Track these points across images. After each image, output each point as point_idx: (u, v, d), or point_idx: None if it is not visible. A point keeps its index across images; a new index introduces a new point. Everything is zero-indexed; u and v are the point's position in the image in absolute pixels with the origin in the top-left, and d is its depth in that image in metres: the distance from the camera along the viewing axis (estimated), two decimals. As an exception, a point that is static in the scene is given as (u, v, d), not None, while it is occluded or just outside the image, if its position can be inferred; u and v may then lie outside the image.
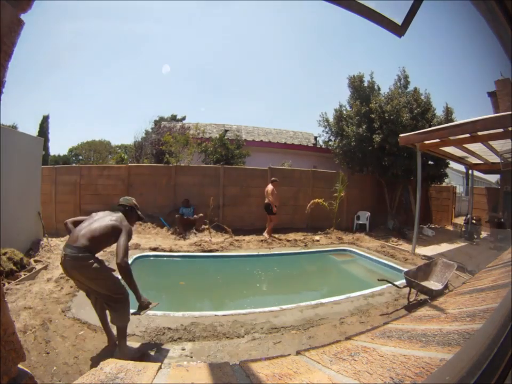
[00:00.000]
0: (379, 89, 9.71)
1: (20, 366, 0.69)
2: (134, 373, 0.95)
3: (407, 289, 3.53)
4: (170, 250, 5.91)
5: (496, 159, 7.57)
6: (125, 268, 2.15)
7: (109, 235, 2.27)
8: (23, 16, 0.65)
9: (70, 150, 25.71)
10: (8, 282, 3.66)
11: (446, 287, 3.48)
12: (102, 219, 2.34)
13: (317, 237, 7.57)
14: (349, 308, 3.42)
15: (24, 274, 3.98)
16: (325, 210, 8.39)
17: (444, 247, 6.96)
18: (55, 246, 5.69)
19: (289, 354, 1.17)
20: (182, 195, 8.09)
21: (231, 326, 2.89)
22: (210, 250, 6.08)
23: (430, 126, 7.76)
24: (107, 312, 2.34)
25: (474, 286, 1.83)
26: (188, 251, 5.98)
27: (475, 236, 7.99)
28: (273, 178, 7.54)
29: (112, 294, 2.24)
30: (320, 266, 6.10)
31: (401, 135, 6.43)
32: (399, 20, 1.12)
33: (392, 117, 8.25)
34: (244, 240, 6.98)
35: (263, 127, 14.97)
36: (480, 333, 0.76)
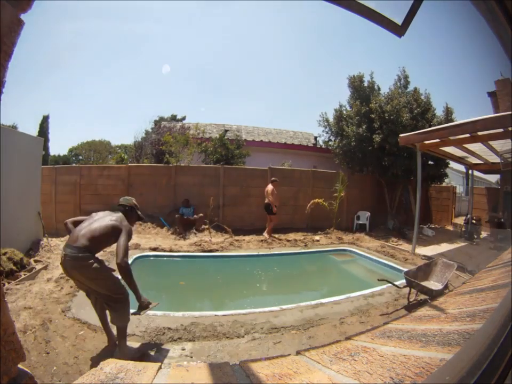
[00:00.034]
0: (379, 89, 9.71)
1: (20, 366, 0.69)
2: (134, 373, 0.95)
3: (407, 289, 3.53)
4: (170, 250, 5.91)
5: (496, 159, 7.57)
6: (125, 268, 2.16)
7: (109, 235, 2.27)
8: (23, 16, 0.65)
9: (70, 150, 25.71)
10: (8, 282, 3.66)
11: (446, 287, 3.48)
12: (102, 219, 2.34)
13: (317, 237, 7.57)
14: (349, 307, 3.42)
15: (24, 274, 3.98)
16: (325, 210, 8.39)
17: (444, 247, 6.96)
18: (55, 246, 5.69)
19: (289, 354, 1.17)
20: (182, 195, 8.09)
21: (231, 326, 2.89)
22: (210, 250, 6.08)
23: (430, 126, 7.76)
24: (107, 312, 2.34)
25: (474, 286, 1.83)
26: (188, 251, 5.99)
27: (475, 236, 7.99)
28: (273, 178, 7.54)
29: (112, 294, 2.24)
30: (320, 266, 6.10)
31: (401, 135, 6.43)
32: (399, 20, 1.12)
33: (392, 117, 8.25)
34: (244, 240, 6.98)
35: (263, 127, 14.97)
36: (480, 333, 0.76)
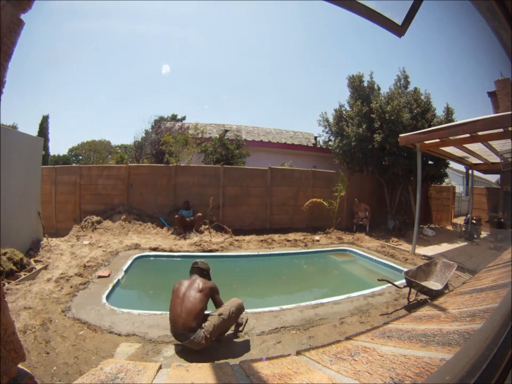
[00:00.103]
0: (379, 89, 9.72)
1: (20, 366, 0.69)
2: (134, 373, 0.95)
3: (407, 289, 3.53)
4: (170, 250, 5.92)
5: (496, 159, 7.57)
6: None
7: (204, 302, 2.49)
8: (23, 16, 0.65)
9: (70, 150, 25.71)
10: (8, 282, 3.66)
11: (446, 287, 3.48)
12: (189, 294, 2.46)
13: (317, 237, 7.58)
14: (349, 307, 3.42)
15: (24, 274, 3.98)
16: (325, 210, 8.39)
17: (444, 247, 6.96)
18: (55, 246, 5.70)
19: (289, 354, 1.17)
20: (182, 195, 8.09)
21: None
22: (210, 250, 6.08)
23: (430, 126, 7.76)
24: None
25: (474, 286, 1.83)
26: (188, 251, 5.99)
27: (475, 236, 7.99)
28: None
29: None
30: (320, 266, 6.10)
31: (401, 135, 6.44)
32: (399, 20, 1.12)
33: (392, 117, 8.26)
34: (244, 240, 6.99)
35: (263, 127, 14.97)
36: (480, 333, 0.76)
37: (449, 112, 8.97)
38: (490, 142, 5.77)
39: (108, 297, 3.51)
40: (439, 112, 9.12)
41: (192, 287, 2.50)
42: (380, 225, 9.11)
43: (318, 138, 14.23)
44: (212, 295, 2.56)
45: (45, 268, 4.45)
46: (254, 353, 2.43)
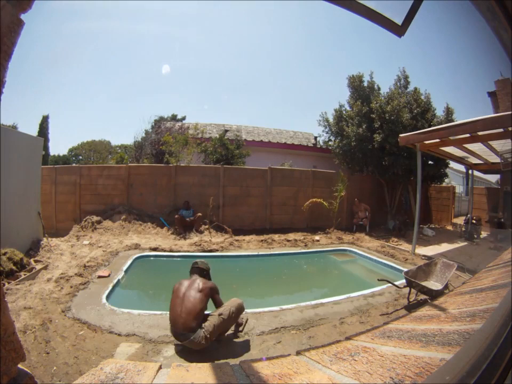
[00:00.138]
0: (379, 89, 9.72)
1: (20, 366, 0.69)
2: (134, 373, 0.95)
3: (407, 289, 3.53)
4: (170, 250, 5.92)
5: (496, 159, 7.57)
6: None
7: (204, 302, 2.48)
8: (23, 16, 0.65)
9: (70, 150, 25.71)
10: (8, 282, 3.66)
11: (446, 287, 3.48)
12: (189, 294, 2.46)
13: (317, 237, 7.58)
14: (349, 307, 3.42)
15: (24, 274, 3.98)
16: (325, 210, 8.39)
17: (444, 247, 6.96)
18: (55, 246, 5.70)
19: (289, 354, 1.17)
20: (182, 195, 8.09)
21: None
22: (210, 250, 6.08)
23: (430, 126, 7.76)
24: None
25: (474, 286, 1.83)
26: (188, 251, 5.99)
27: (475, 236, 7.99)
28: None
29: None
30: (320, 266, 6.10)
31: (401, 135, 6.44)
32: (399, 20, 1.12)
33: (392, 117, 8.26)
34: (244, 240, 6.99)
35: (263, 127, 14.97)
36: (480, 333, 0.76)
37: (449, 112, 8.98)
38: (490, 142, 5.77)
39: (107, 297, 3.52)
40: (439, 112, 9.14)
41: (192, 287, 2.50)
42: (379, 225, 9.11)
43: (318, 138, 14.23)
44: (212, 295, 2.56)
45: (45, 267, 4.45)
46: (254, 353, 2.43)
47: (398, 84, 9.60)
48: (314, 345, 2.45)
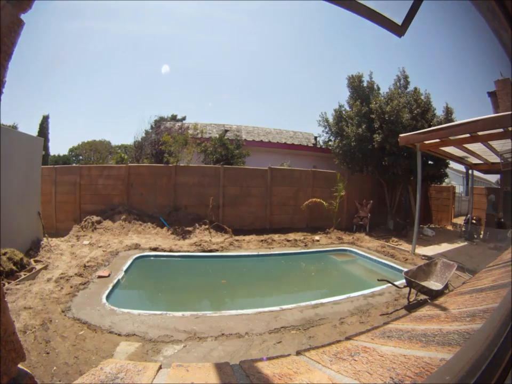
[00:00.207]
0: (378, 89, 9.73)
1: (20, 366, 0.69)
2: (134, 373, 0.95)
3: (407, 289, 3.53)
4: (170, 250, 5.92)
5: (496, 159, 7.57)
6: None
7: None
8: (23, 16, 0.65)
9: (70, 150, 25.70)
10: (8, 282, 3.66)
11: (446, 287, 3.48)
12: None
13: (317, 237, 7.58)
14: (349, 307, 3.42)
15: (24, 274, 3.98)
16: (325, 210, 8.39)
17: (444, 247, 6.96)
18: (55, 246, 5.70)
19: (289, 354, 1.17)
20: (182, 195, 8.10)
21: (231, 326, 2.89)
22: (210, 250, 6.08)
23: (430, 126, 7.76)
24: None
25: (474, 286, 1.83)
26: (188, 251, 5.99)
27: (475, 236, 8.00)
28: None
29: None
30: (320, 266, 6.10)
31: (401, 135, 6.44)
32: (399, 20, 1.12)
33: (392, 118, 8.26)
34: (244, 240, 6.99)
35: (263, 127, 14.97)
36: (480, 333, 0.76)
37: (449, 112, 8.98)
38: (490, 142, 5.77)
39: (108, 297, 3.52)
40: (439, 112, 9.14)
41: None
42: (380, 225, 9.11)
43: (318, 138, 14.23)
44: None
45: (45, 267, 4.45)
46: (254, 353, 2.43)
47: (398, 84, 9.61)
48: (314, 345, 2.45)
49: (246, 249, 6.40)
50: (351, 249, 6.70)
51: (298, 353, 1.18)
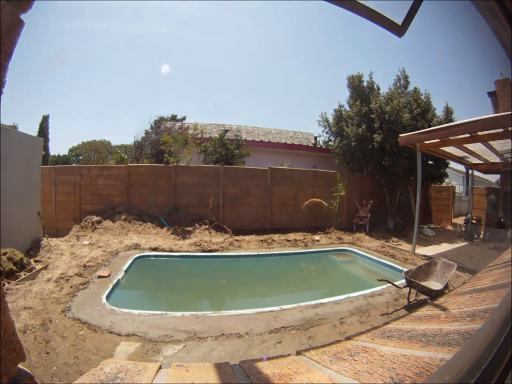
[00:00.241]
0: (378, 89, 9.73)
1: (20, 366, 0.69)
2: (134, 373, 0.95)
3: (407, 289, 3.53)
4: (170, 250, 5.92)
5: (496, 159, 7.57)
6: None
7: None
8: (23, 16, 0.65)
9: (70, 150, 25.71)
10: (8, 282, 3.66)
11: (446, 287, 3.48)
12: None
13: (317, 237, 7.58)
14: (349, 307, 3.42)
15: (24, 274, 3.98)
16: (325, 210, 8.39)
17: (444, 247, 6.96)
18: (55, 246, 5.70)
19: (289, 354, 1.17)
20: (182, 195, 8.10)
21: (231, 326, 2.89)
22: (210, 250, 6.08)
23: (430, 126, 7.76)
24: None
25: (474, 286, 1.83)
26: (188, 251, 5.99)
27: (475, 236, 8.00)
28: None
29: None
30: (320, 266, 6.10)
31: (401, 135, 6.44)
32: (399, 20, 1.12)
33: (392, 118, 8.26)
34: (244, 240, 6.99)
35: (263, 127, 14.97)
36: (480, 333, 0.76)
37: (448, 112, 8.99)
38: (490, 142, 5.77)
39: (108, 297, 3.52)
40: (439, 112, 9.14)
41: None
42: (379, 225, 9.11)
43: (318, 138, 14.23)
44: None
45: (45, 267, 4.45)
46: (254, 353, 2.43)
47: (398, 84, 9.61)
48: (314, 345, 2.46)
49: (246, 249, 6.40)
50: (351, 249, 6.70)
51: (298, 353, 1.18)
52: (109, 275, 4.26)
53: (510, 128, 4.61)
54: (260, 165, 9.30)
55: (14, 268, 4.00)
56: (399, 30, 1.14)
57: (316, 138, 14.63)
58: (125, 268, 4.68)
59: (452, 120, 8.45)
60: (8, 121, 18.93)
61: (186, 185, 8.20)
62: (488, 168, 9.01)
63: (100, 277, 4.16)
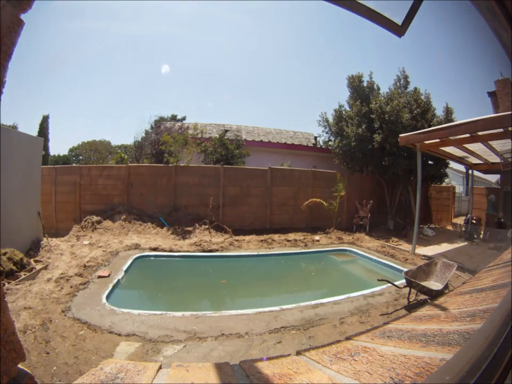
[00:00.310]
0: (378, 89, 9.73)
1: (20, 366, 0.69)
2: (134, 373, 0.95)
3: (407, 289, 3.53)
4: (170, 250, 5.92)
5: (496, 159, 7.57)
6: None
7: None
8: (23, 16, 0.65)
9: (70, 150, 25.71)
10: (8, 282, 3.66)
11: (446, 287, 3.48)
12: None
13: (317, 237, 7.58)
14: (349, 307, 3.42)
15: (24, 274, 3.98)
16: (325, 210, 8.39)
17: (444, 247, 6.96)
18: (55, 246, 5.70)
19: (289, 354, 1.17)
20: (182, 195, 8.10)
21: (231, 326, 2.89)
22: (210, 250, 6.08)
23: (430, 126, 7.77)
24: None
25: (474, 286, 1.83)
26: (188, 251, 5.99)
27: (475, 236, 8.00)
28: None
29: None
30: (320, 266, 6.10)
31: (401, 135, 6.44)
32: (399, 20, 1.12)
33: (392, 118, 8.26)
34: (244, 240, 6.99)
35: (263, 127, 14.97)
36: (480, 333, 0.76)
37: (448, 112, 8.99)
38: (490, 142, 5.77)
39: (108, 297, 3.52)
40: (439, 112, 9.15)
41: None
42: (379, 225, 9.11)
43: (318, 138, 14.24)
44: None
45: (45, 267, 4.45)
46: (254, 353, 2.43)
47: (398, 84, 9.61)
48: (314, 345, 2.46)
49: (246, 249, 6.41)
50: (351, 249, 6.70)
51: (298, 353, 1.18)
52: (109, 275, 4.26)
53: (510, 128, 4.61)
54: (259, 165, 9.30)
55: (14, 267, 4.00)
56: (399, 30, 1.14)
57: (316, 138, 14.63)
58: (125, 268, 4.68)
59: (451, 120, 8.45)
60: (8, 121, 18.95)
61: (186, 185, 8.20)
62: (488, 168, 9.01)
63: (100, 277, 4.16)
